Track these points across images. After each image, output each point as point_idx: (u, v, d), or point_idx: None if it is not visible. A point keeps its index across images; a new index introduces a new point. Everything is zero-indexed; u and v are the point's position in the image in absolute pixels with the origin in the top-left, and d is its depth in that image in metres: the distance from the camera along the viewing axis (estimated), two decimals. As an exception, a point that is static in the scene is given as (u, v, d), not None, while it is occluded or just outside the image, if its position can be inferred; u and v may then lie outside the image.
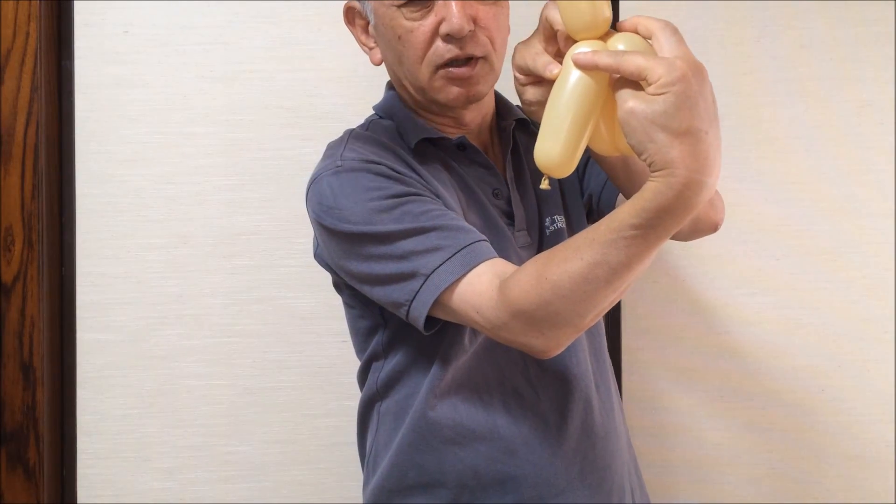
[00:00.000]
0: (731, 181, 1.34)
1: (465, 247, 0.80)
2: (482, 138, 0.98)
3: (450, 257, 0.80)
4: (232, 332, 1.31)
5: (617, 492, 0.95)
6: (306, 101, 1.31)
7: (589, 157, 1.01)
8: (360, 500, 1.05)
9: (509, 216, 0.94)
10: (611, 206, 0.99)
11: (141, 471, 1.31)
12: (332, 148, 0.93)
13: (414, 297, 0.82)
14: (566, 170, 0.74)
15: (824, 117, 1.35)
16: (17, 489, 1.26)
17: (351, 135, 0.94)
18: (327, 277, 1.32)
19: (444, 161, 0.93)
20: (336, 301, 1.32)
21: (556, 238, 0.95)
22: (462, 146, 0.94)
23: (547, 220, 0.96)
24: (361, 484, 1.04)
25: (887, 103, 1.35)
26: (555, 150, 0.73)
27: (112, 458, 1.31)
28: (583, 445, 0.93)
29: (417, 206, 0.83)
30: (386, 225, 0.82)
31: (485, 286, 0.78)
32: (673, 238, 0.95)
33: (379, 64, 0.96)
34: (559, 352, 0.80)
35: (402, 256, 0.82)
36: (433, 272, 0.80)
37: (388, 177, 0.86)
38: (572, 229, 0.98)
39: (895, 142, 1.35)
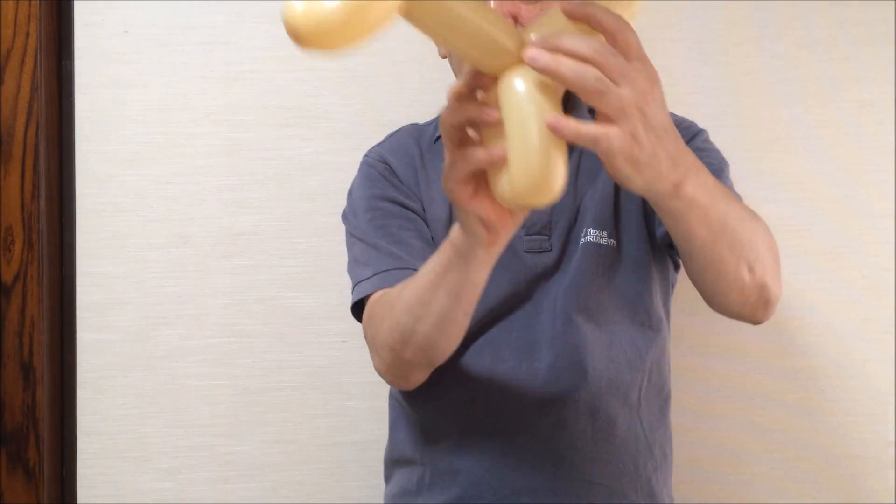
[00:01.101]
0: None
1: (384, 272, 0.92)
2: None
3: (371, 276, 0.93)
4: (232, 332, 1.31)
5: None
6: (306, 101, 1.31)
7: None
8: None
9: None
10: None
11: (141, 471, 1.31)
12: (385, 137, 1.08)
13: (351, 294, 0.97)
14: (547, 191, 0.61)
15: (824, 117, 1.35)
16: (17, 489, 1.26)
17: (401, 129, 1.08)
18: (327, 277, 1.33)
19: None
20: (336, 301, 1.32)
21: (589, 252, 0.93)
22: None
23: (583, 231, 0.94)
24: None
25: (887, 103, 1.35)
26: (527, 173, 0.60)
27: (112, 458, 1.31)
28: (556, 465, 0.92)
29: (382, 217, 0.96)
30: (358, 222, 0.98)
31: (371, 305, 0.92)
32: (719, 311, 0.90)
33: (444, 57, 0.99)
34: (406, 384, 0.90)
35: (353, 259, 0.98)
36: (358, 283, 0.95)
37: (386, 178, 0.99)
38: (622, 251, 0.95)
39: (895, 142, 1.35)
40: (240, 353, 1.32)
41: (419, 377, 0.90)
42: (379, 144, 1.06)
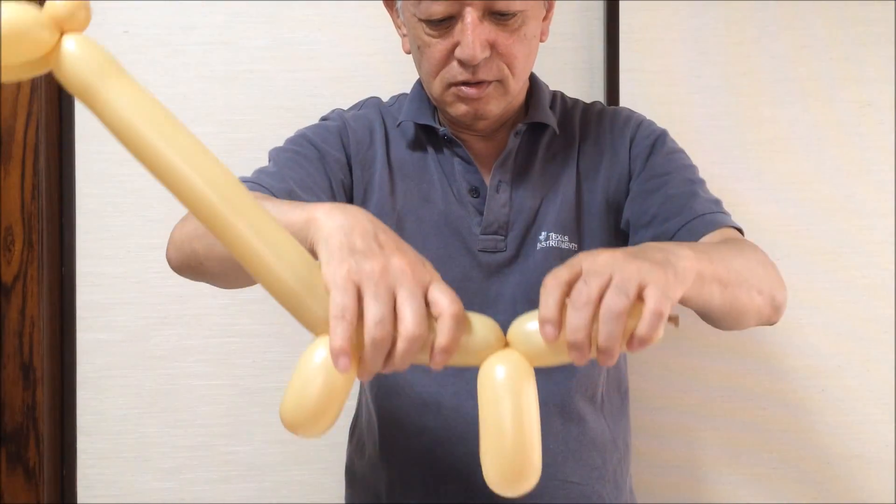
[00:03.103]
0: (732, 181, 1.34)
1: (260, 187, 0.86)
2: (498, 136, 0.97)
3: (248, 179, 0.90)
4: (232, 332, 1.31)
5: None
6: (306, 101, 1.31)
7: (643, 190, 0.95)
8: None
9: (483, 216, 0.95)
10: (640, 218, 0.93)
11: (141, 471, 1.31)
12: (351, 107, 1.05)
13: None
14: (522, 483, 0.59)
15: (824, 117, 1.35)
16: (17, 489, 1.26)
17: (368, 101, 1.04)
18: (327, 277, 1.32)
19: (427, 148, 0.96)
20: (336, 301, 1.32)
21: (551, 256, 0.93)
22: (447, 139, 0.95)
23: (542, 234, 0.94)
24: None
25: (887, 103, 1.35)
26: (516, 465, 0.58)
27: (112, 458, 1.31)
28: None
29: (305, 154, 0.93)
30: (279, 148, 0.96)
31: None
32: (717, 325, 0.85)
33: (408, 53, 0.96)
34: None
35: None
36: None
37: (336, 134, 0.96)
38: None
39: (895, 142, 1.35)
40: (240, 353, 1.32)
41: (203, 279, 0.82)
42: (348, 109, 1.03)
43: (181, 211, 1.31)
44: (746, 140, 1.34)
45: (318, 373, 0.57)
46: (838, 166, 1.35)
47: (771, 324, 0.85)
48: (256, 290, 1.34)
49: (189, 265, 0.78)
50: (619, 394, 1.02)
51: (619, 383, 1.02)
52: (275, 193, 0.84)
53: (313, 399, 0.57)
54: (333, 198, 0.92)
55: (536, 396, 0.59)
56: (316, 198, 0.89)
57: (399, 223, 0.94)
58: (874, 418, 1.36)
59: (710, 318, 0.80)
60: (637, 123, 1.00)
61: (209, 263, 0.74)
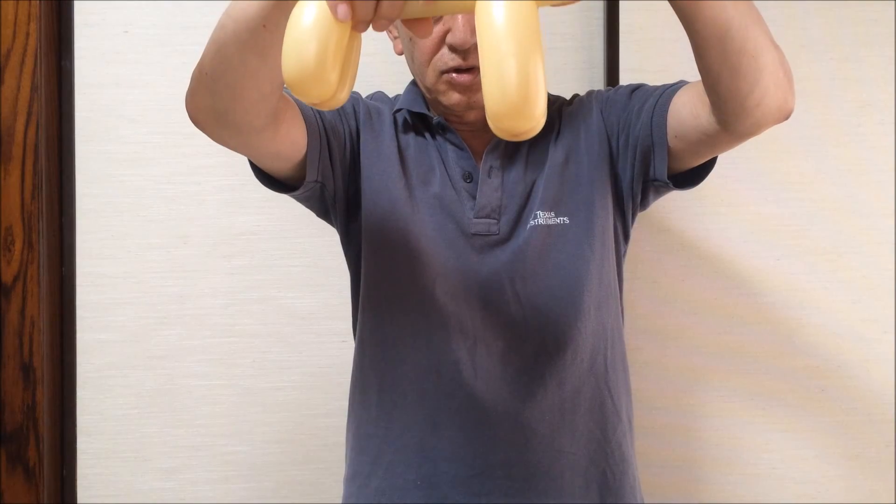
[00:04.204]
0: (731, 181, 1.34)
1: None
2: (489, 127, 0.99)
3: None
4: (232, 332, 1.32)
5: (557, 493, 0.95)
6: (306, 101, 1.31)
7: (626, 128, 0.96)
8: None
9: (476, 201, 0.96)
10: (662, 127, 0.92)
11: (141, 471, 1.31)
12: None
13: None
14: (528, 116, 0.58)
15: (824, 117, 1.35)
16: (17, 489, 1.26)
17: (377, 93, 1.08)
18: (327, 277, 1.33)
19: (425, 135, 0.99)
20: (336, 301, 1.32)
21: (538, 234, 0.94)
22: (441, 126, 0.98)
23: (533, 214, 0.96)
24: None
25: (887, 103, 1.35)
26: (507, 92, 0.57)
27: (112, 458, 1.31)
28: (528, 437, 0.93)
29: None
30: None
31: None
32: (731, 128, 0.85)
33: (400, 54, 0.99)
34: (196, 113, 0.80)
35: None
36: None
37: (352, 103, 1.00)
38: (575, 226, 0.96)
39: (895, 142, 1.35)
40: (240, 353, 1.32)
41: (208, 120, 0.82)
42: (371, 94, 1.07)
43: (180, 211, 1.31)
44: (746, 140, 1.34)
45: (313, 27, 0.59)
46: (838, 166, 1.35)
47: (788, 106, 0.80)
48: (257, 290, 1.34)
49: (200, 89, 0.77)
50: (623, 364, 1.02)
51: (623, 355, 1.02)
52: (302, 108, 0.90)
53: (313, 52, 0.59)
54: (344, 135, 0.96)
55: (539, 28, 0.57)
56: (338, 120, 0.95)
57: (409, 192, 0.96)
58: (874, 418, 1.36)
59: (725, 46, 0.76)
60: (599, 91, 1.04)
61: (214, 67, 0.74)
